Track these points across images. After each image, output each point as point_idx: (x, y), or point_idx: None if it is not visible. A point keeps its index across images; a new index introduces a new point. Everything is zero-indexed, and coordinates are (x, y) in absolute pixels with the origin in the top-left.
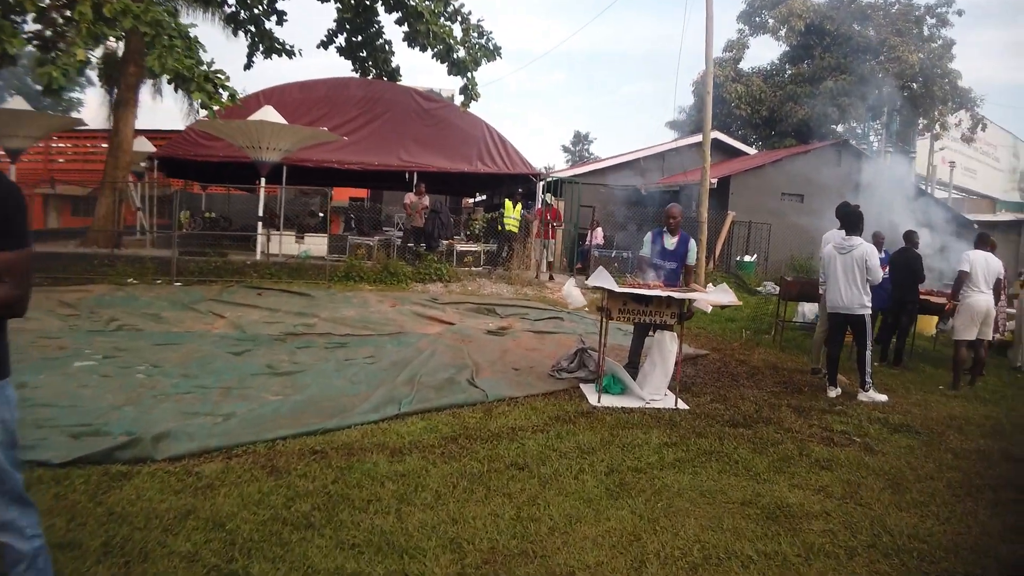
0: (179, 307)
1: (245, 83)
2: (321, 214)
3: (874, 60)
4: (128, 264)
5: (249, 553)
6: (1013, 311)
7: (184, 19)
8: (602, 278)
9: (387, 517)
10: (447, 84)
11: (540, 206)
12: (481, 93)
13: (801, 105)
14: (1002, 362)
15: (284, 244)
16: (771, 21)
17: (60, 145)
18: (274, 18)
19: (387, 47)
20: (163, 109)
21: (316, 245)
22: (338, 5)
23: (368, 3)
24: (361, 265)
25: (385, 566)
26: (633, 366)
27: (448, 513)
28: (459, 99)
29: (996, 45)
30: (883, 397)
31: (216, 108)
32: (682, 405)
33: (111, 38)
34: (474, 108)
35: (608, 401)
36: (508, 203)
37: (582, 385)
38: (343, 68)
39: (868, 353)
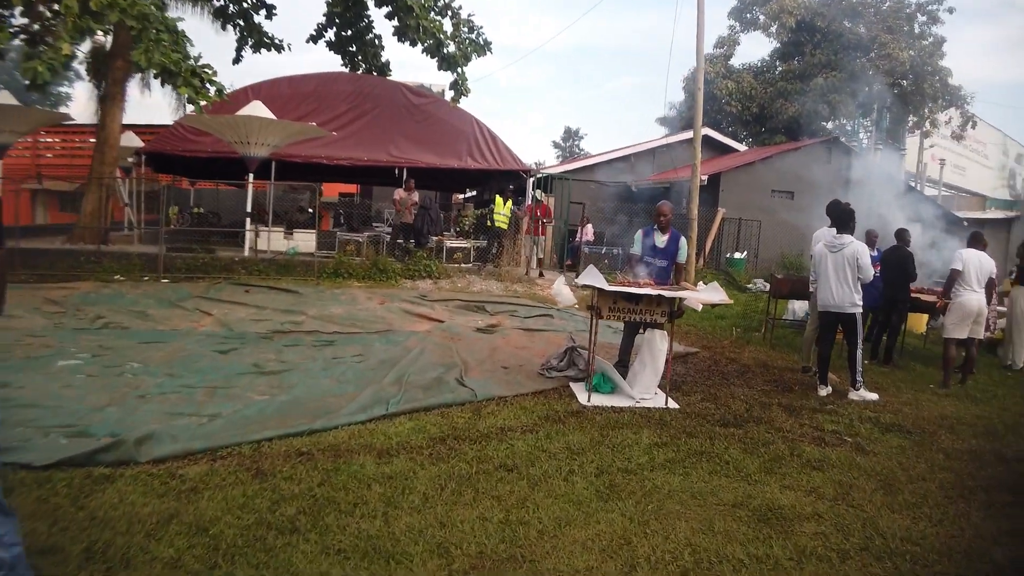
0: (166, 304)
1: (234, 78)
2: (310, 210)
3: (865, 57)
4: (115, 261)
5: (233, 559)
6: (1004, 309)
7: (172, 13)
8: (592, 276)
9: (374, 521)
10: (437, 79)
11: (530, 202)
12: (471, 88)
13: (792, 102)
14: (993, 361)
15: (273, 240)
16: (762, 17)
17: (48, 140)
18: (263, 12)
19: (377, 42)
20: (151, 104)
21: (305, 241)
22: None
23: None
24: (350, 262)
25: (371, 572)
26: (623, 365)
27: (436, 516)
28: (449, 94)
29: (987, 43)
30: (874, 396)
31: (203, 103)
32: (672, 404)
33: (98, 32)
34: (464, 104)
35: (598, 400)
36: (498, 199)
37: (572, 384)
38: (333, 63)
39: (859, 352)
